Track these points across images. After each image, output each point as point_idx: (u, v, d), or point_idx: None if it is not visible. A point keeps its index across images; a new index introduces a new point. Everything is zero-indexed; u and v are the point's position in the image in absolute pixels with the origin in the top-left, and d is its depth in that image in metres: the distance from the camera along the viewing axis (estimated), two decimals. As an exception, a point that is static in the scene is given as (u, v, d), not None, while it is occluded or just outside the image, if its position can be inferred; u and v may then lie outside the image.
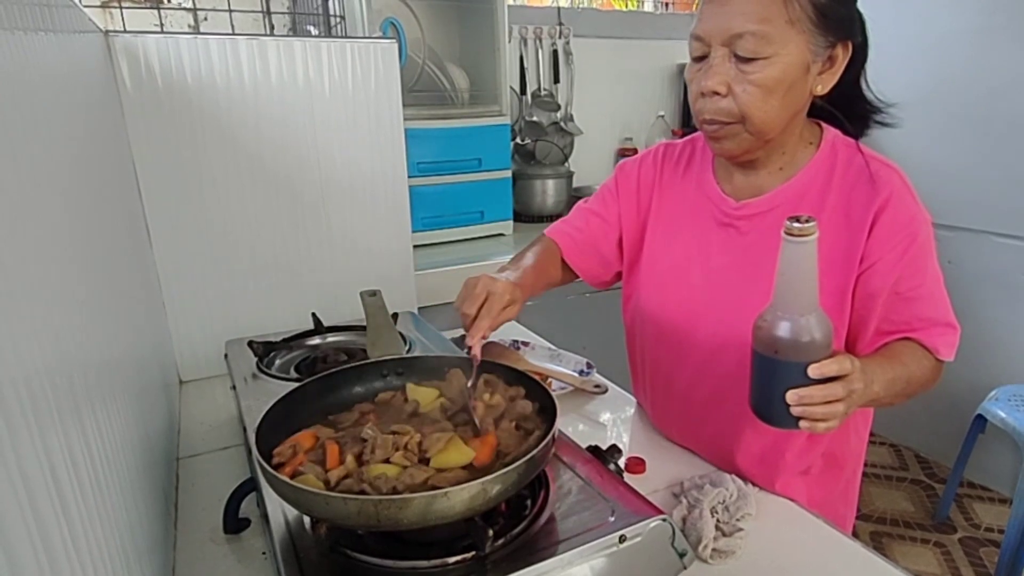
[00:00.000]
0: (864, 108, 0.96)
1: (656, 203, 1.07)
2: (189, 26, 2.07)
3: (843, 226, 0.88)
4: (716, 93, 0.86)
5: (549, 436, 0.71)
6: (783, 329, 0.72)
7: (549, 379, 1.27)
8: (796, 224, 0.69)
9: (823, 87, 0.88)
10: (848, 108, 0.95)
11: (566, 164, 2.55)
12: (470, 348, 0.86)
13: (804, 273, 0.71)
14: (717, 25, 0.84)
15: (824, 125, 0.96)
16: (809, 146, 0.94)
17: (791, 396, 0.72)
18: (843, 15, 0.86)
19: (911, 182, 0.89)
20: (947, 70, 2.38)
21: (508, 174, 2.24)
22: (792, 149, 0.94)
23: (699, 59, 0.88)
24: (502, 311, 0.88)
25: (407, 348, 1.22)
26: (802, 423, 0.73)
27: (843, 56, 0.87)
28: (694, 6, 3.00)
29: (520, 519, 0.73)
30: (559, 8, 2.65)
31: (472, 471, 0.72)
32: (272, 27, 2.18)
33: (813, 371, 0.72)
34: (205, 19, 2.08)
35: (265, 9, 2.15)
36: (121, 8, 1.82)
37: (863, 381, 0.75)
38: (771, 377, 0.75)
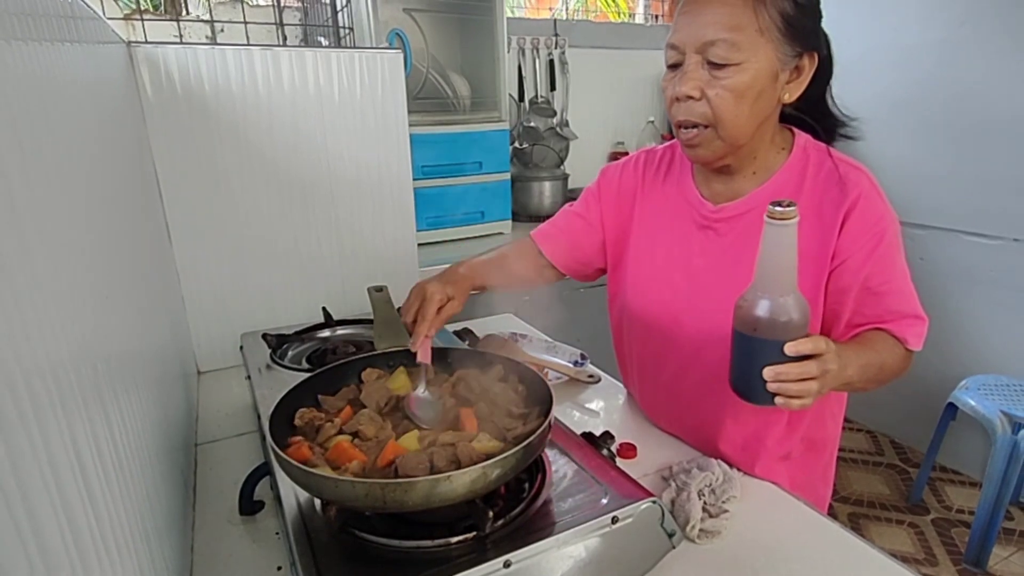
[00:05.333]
0: (830, 122, 0.96)
1: (639, 208, 1.07)
2: (207, 37, 2.07)
3: (815, 226, 0.88)
4: (690, 97, 0.86)
5: (546, 423, 0.71)
6: (762, 308, 0.72)
7: (545, 369, 1.27)
8: (778, 208, 0.69)
9: (790, 95, 0.88)
10: (816, 121, 0.95)
11: (562, 167, 2.55)
12: (415, 355, 0.89)
13: (784, 255, 0.71)
14: (691, 33, 0.84)
15: (795, 131, 0.95)
16: (781, 151, 0.94)
17: (768, 372, 0.72)
18: (809, 27, 0.86)
19: (882, 183, 0.89)
20: (917, 79, 2.38)
21: (507, 176, 2.24)
22: (764, 154, 0.93)
23: (674, 67, 0.89)
24: (439, 312, 0.92)
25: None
26: (777, 399, 0.73)
27: (809, 67, 0.87)
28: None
29: (519, 501, 0.73)
30: (555, 20, 2.64)
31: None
32: (285, 38, 2.18)
33: (789, 349, 0.71)
34: (222, 30, 2.08)
35: (278, 21, 2.14)
36: (143, 20, 1.81)
37: (837, 363, 0.74)
38: (749, 354, 0.75)
